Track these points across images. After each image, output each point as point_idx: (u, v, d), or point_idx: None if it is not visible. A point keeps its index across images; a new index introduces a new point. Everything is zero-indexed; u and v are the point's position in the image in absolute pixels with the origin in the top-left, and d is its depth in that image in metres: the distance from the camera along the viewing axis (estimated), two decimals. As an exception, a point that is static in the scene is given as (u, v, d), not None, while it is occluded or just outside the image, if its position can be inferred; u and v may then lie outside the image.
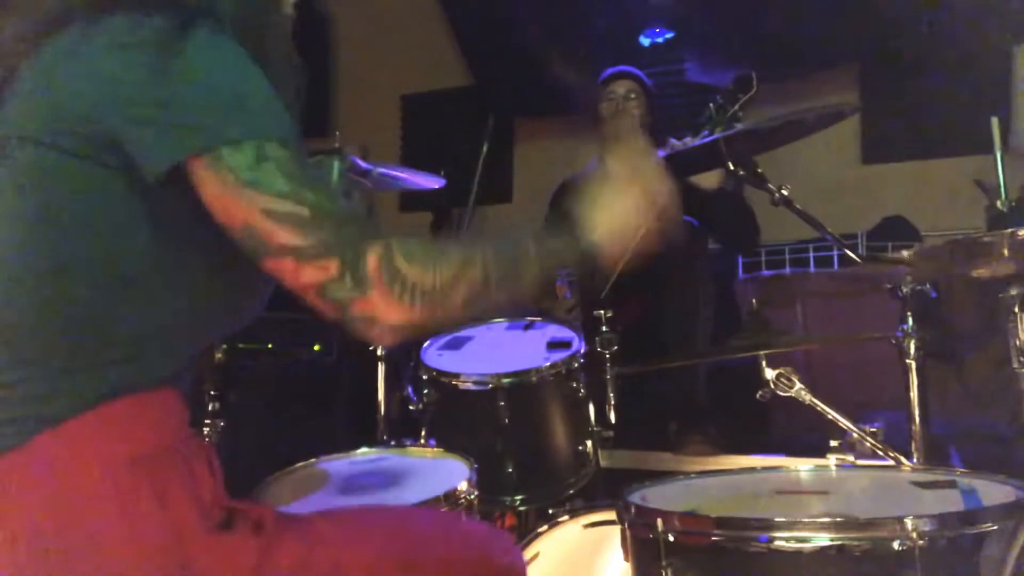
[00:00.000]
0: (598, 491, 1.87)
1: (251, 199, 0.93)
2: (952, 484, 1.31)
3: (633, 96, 3.10)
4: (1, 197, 0.97)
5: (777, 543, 1.11)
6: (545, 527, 1.66)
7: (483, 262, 1.02)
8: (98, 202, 0.95)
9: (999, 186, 2.23)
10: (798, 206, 1.77)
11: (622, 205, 1.16)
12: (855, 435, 1.60)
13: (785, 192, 1.76)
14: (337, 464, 1.72)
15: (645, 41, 4.10)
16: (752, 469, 1.54)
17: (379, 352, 2.31)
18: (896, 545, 1.06)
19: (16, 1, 1.04)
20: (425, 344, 2.07)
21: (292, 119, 1.01)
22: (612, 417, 1.89)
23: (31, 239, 0.96)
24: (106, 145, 0.94)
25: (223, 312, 1.07)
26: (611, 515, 1.47)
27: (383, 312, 0.96)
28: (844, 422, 1.62)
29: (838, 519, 1.13)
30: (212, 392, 2.04)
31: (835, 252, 3.65)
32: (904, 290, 1.61)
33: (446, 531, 1.17)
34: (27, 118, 0.97)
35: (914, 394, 1.62)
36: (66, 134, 0.94)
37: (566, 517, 1.67)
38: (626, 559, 1.33)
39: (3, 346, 0.95)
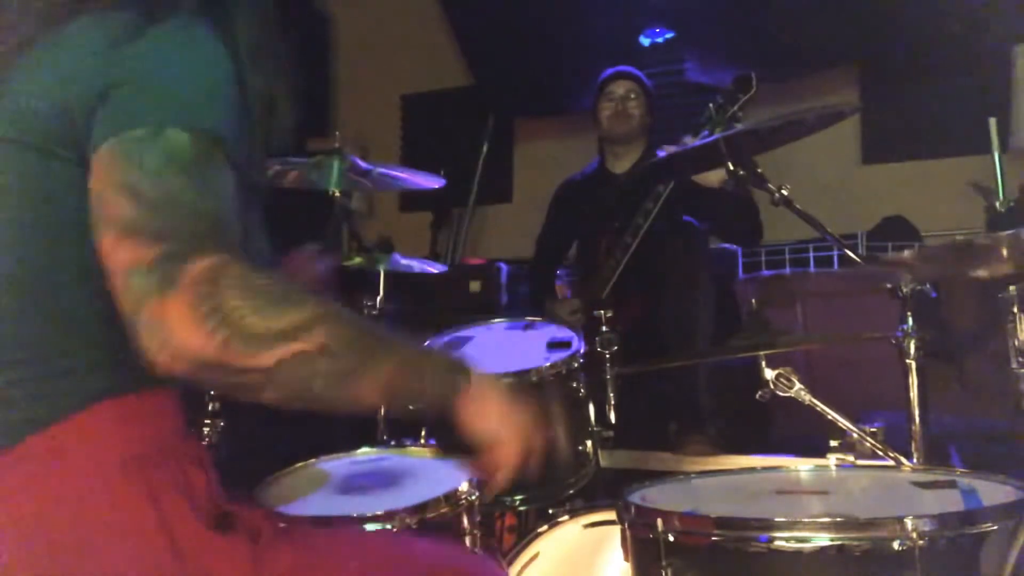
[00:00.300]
0: (598, 491, 1.87)
1: (119, 169, 0.86)
2: (952, 484, 1.31)
3: (632, 96, 3.11)
4: None
5: (777, 543, 1.11)
6: (545, 527, 1.66)
7: (332, 333, 0.86)
8: (81, 202, 0.91)
9: (995, 187, 2.23)
10: (798, 206, 1.77)
11: (511, 407, 1.07)
12: (855, 435, 1.60)
13: (785, 192, 1.76)
14: (337, 464, 1.72)
15: (645, 41, 4.10)
16: (752, 469, 1.54)
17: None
18: (896, 545, 1.06)
19: (7, 4, 1.04)
20: (425, 344, 2.07)
21: (238, 121, 0.96)
22: (612, 417, 1.89)
23: (17, 241, 0.95)
24: (75, 143, 0.92)
25: None
26: (611, 515, 1.47)
27: (174, 326, 0.80)
28: (844, 422, 1.62)
29: (838, 519, 1.13)
30: (212, 392, 2.03)
31: (835, 252, 3.65)
32: (904, 290, 1.61)
33: (433, 554, 1.16)
34: (11, 121, 0.97)
35: (914, 394, 1.62)
36: (41, 135, 0.94)
37: (566, 517, 1.67)
38: (626, 559, 1.33)
39: None
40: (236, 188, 0.93)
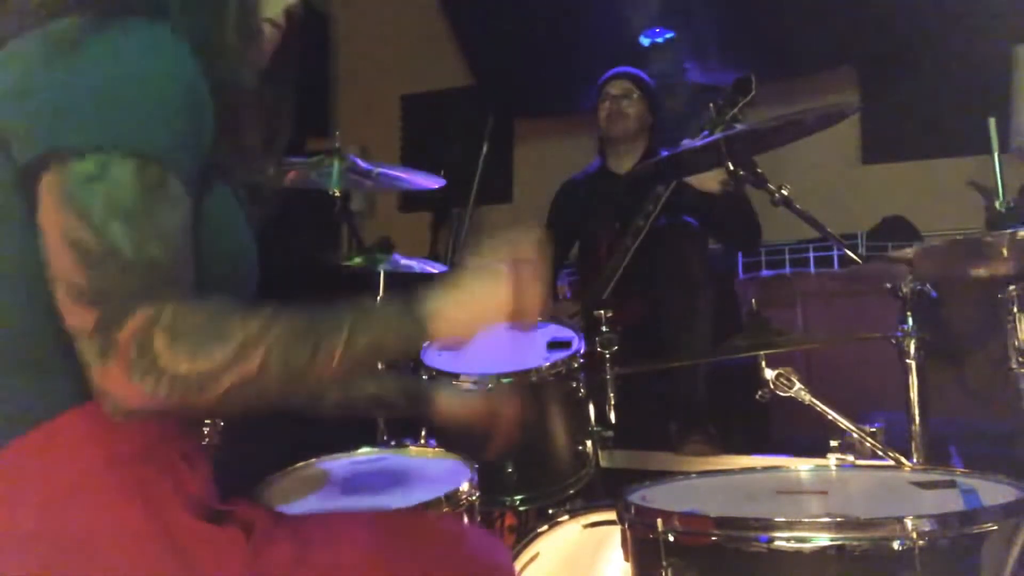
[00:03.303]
0: (598, 491, 1.87)
1: (62, 215, 0.87)
2: (952, 484, 1.31)
3: (629, 96, 3.10)
4: None
5: (777, 543, 1.11)
6: (545, 527, 1.66)
7: (268, 350, 0.88)
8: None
9: (996, 187, 2.23)
10: (798, 206, 1.78)
11: (480, 297, 1.05)
12: (855, 435, 1.60)
13: (785, 192, 1.76)
14: (337, 464, 1.72)
15: (645, 41, 4.10)
16: (752, 469, 1.54)
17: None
18: (896, 545, 1.06)
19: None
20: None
21: (198, 130, 0.94)
22: (612, 417, 1.89)
23: (3, 244, 0.94)
24: (9, 159, 0.91)
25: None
26: (611, 515, 1.47)
27: (117, 390, 0.85)
28: (844, 422, 1.62)
29: (838, 519, 1.13)
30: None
31: (835, 252, 3.65)
32: (904, 290, 1.61)
33: (436, 534, 1.16)
34: None
35: (914, 394, 1.62)
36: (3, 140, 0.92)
37: (566, 517, 1.66)
38: (626, 559, 1.33)
39: None
40: (189, 211, 0.92)
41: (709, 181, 2.62)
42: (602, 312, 1.94)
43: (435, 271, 2.75)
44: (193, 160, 0.94)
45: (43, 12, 0.95)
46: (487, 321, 1.05)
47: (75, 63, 0.90)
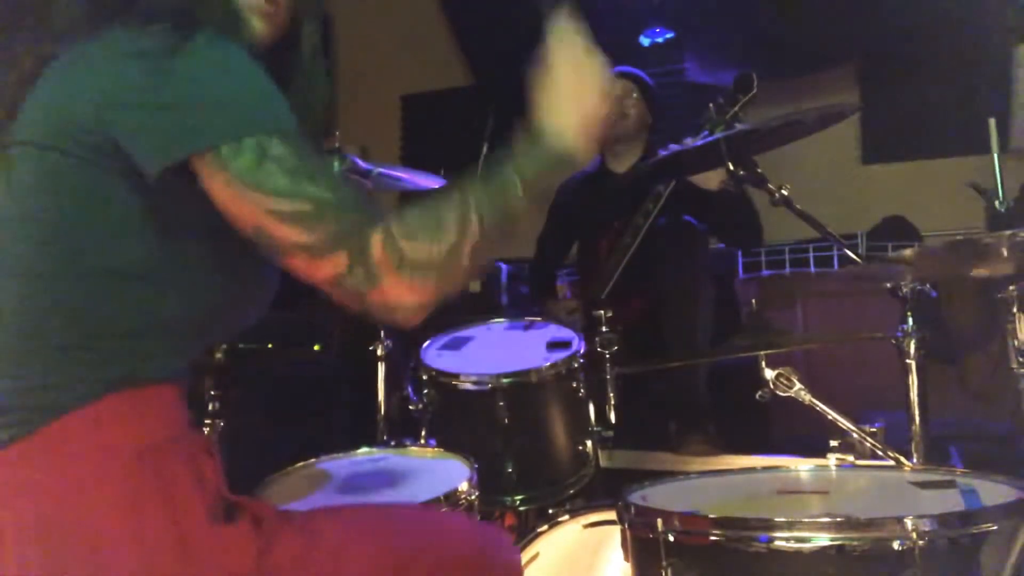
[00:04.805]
0: (598, 491, 1.87)
1: (256, 201, 0.95)
2: (952, 484, 1.31)
3: (632, 96, 3.10)
4: (9, 198, 1.00)
5: (777, 543, 1.11)
6: (545, 527, 1.66)
7: (478, 212, 1.01)
8: (100, 203, 0.98)
9: (995, 187, 2.23)
10: (798, 206, 1.77)
11: (573, 99, 1.12)
12: (855, 435, 1.60)
13: (785, 192, 1.76)
14: (337, 464, 1.72)
15: (645, 41, 4.10)
16: (752, 469, 1.54)
17: (379, 352, 2.31)
18: (896, 545, 1.06)
19: (27, 18, 1.07)
20: (425, 344, 2.08)
21: (292, 112, 1.02)
22: (612, 417, 1.89)
23: (37, 238, 0.99)
24: (109, 150, 0.96)
25: (226, 309, 1.09)
26: (611, 515, 1.47)
27: (399, 297, 0.97)
28: (844, 422, 1.62)
29: (838, 519, 1.13)
30: (212, 392, 2.04)
31: (835, 252, 3.65)
32: (904, 290, 1.61)
33: (445, 529, 1.18)
34: (36, 126, 1.00)
35: (914, 394, 1.62)
36: (71, 140, 0.97)
37: (566, 517, 1.66)
38: (626, 559, 1.33)
39: (9, 340, 0.98)
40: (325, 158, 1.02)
41: (709, 178, 2.62)
42: (602, 312, 1.94)
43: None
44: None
45: (93, 22, 1.02)
46: (593, 112, 1.12)
47: (184, 68, 0.96)
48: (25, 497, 0.93)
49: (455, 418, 1.93)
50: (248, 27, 1.12)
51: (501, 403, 1.84)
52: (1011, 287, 1.55)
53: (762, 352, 1.67)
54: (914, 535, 1.06)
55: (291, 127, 0.99)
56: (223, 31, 1.02)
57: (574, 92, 1.12)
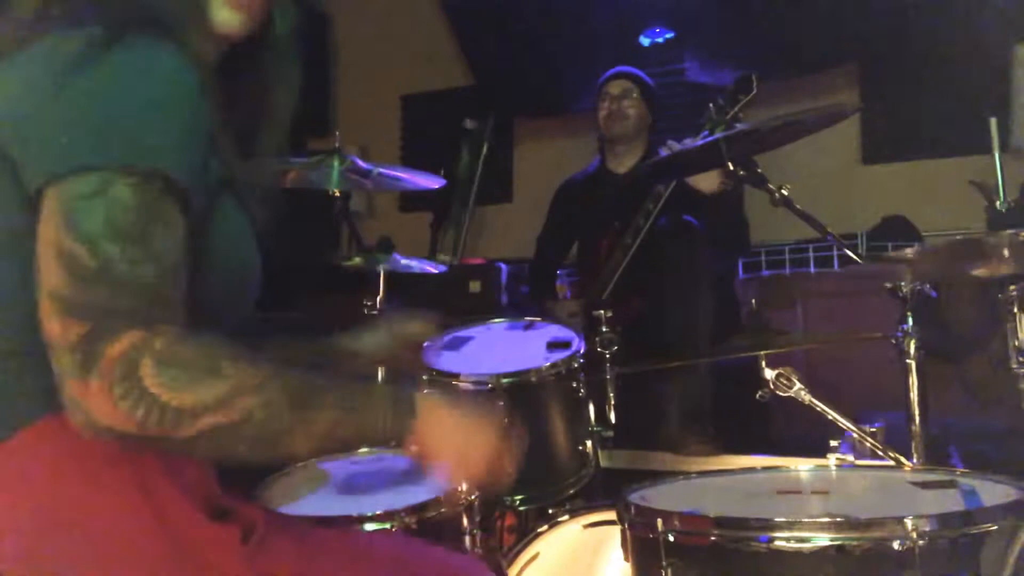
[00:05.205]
0: (598, 491, 1.87)
1: (59, 230, 0.86)
2: (952, 484, 1.31)
3: (628, 96, 3.10)
4: None
5: (777, 543, 1.11)
6: (545, 527, 1.66)
7: (256, 404, 0.88)
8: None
9: (997, 186, 2.23)
10: (798, 206, 1.77)
11: (473, 420, 1.08)
12: (855, 435, 1.60)
13: (785, 192, 1.76)
14: (337, 464, 1.72)
15: (645, 41, 4.10)
16: (752, 469, 1.54)
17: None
18: (896, 545, 1.06)
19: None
20: (425, 344, 2.07)
21: (201, 143, 0.94)
22: (612, 417, 1.89)
23: (12, 239, 0.94)
24: (12, 168, 0.91)
25: (201, 316, 1.05)
26: (611, 515, 1.47)
27: (95, 406, 0.84)
28: (844, 422, 1.62)
29: (838, 519, 1.13)
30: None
31: (835, 252, 3.65)
32: (904, 290, 1.61)
33: (422, 567, 1.16)
34: None
35: (914, 394, 1.62)
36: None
37: (566, 517, 1.67)
38: (626, 559, 1.33)
39: None
40: (184, 234, 0.92)
41: (703, 181, 2.62)
42: (602, 312, 1.94)
43: (435, 271, 2.75)
44: (197, 178, 0.94)
45: (45, 23, 0.95)
46: (469, 446, 1.05)
47: (80, 83, 0.89)
48: (4, 500, 0.92)
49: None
50: (209, 20, 1.04)
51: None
52: (1011, 287, 1.55)
53: (762, 352, 1.67)
54: (914, 535, 1.06)
55: (162, 174, 0.89)
56: (172, 25, 0.95)
57: (479, 428, 1.08)
